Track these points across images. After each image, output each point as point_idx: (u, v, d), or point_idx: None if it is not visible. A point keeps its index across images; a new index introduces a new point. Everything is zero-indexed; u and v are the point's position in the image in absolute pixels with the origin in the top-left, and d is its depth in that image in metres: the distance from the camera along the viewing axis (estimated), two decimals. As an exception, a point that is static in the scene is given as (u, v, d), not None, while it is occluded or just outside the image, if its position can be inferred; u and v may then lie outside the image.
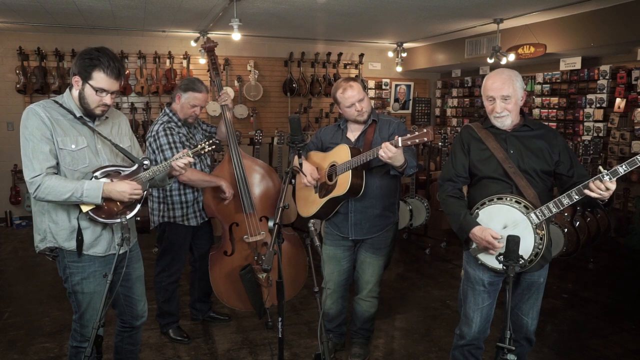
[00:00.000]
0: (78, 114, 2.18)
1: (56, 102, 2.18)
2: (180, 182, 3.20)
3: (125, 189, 2.14)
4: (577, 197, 2.04)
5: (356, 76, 8.01)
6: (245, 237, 3.26)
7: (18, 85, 6.44)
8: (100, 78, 2.11)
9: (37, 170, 2.05)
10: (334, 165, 2.75)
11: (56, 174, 2.11)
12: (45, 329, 3.58)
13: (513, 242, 1.98)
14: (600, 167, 1.99)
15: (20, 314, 3.84)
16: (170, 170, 2.29)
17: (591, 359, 3.24)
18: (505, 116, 2.22)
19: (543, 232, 2.13)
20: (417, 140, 2.34)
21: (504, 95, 2.18)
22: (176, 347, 3.34)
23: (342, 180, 2.66)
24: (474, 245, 2.26)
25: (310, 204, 2.89)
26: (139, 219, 4.53)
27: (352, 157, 2.62)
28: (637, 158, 1.89)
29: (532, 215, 2.12)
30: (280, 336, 2.17)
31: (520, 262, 1.98)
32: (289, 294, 3.34)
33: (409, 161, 2.58)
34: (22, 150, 2.09)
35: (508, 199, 2.17)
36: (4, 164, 6.61)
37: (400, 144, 2.37)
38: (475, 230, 2.20)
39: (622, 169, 1.92)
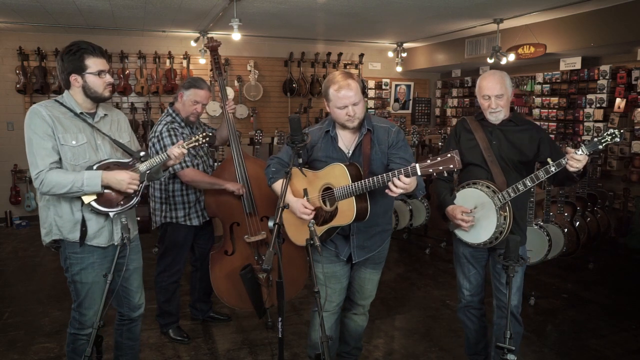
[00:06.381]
0: (78, 110, 2.28)
1: (57, 101, 2.29)
2: (182, 183, 3.20)
3: (124, 177, 2.22)
4: (529, 183, 2.38)
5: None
6: (245, 236, 3.27)
7: (18, 85, 6.44)
8: (93, 62, 2.23)
9: (41, 166, 2.16)
10: (329, 188, 2.35)
11: (59, 168, 2.20)
12: (45, 329, 3.58)
13: (513, 242, 1.99)
14: (549, 159, 2.28)
15: (20, 314, 3.84)
16: (166, 161, 2.37)
17: (591, 359, 3.24)
18: (499, 111, 2.56)
19: (506, 213, 2.45)
20: (440, 168, 1.97)
21: (497, 94, 2.51)
22: (176, 347, 3.34)
23: (345, 208, 2.30)
24: (451, 222, 2.64)
25: (305, 232, 2.37)
26: (139, 218, 4.51)
27: (352, 179, 2.25)
28: (575, 152, 2.18)
29: (496, 198, 2.46)
30: (280, 336, 2.17)
31: (486, 239, 2.49)
32: (289, 294, 3.34)
33: (419, 183, 2.29)
34: (27, 149, 2.20)
35: (480, 183, 2.54)
36: (4, 164, 6.60)
37: (419, 172, 2.02)
38: (449, 209, 2.61)
39: (563, 161, 2.23)
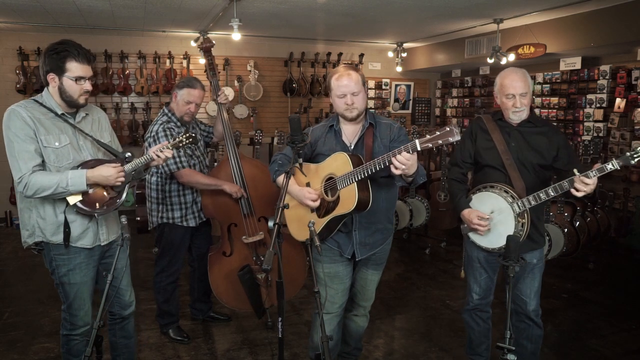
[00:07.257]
0: (59, 111, 2.23)
1: (36, 101, 2.23)
2: (179, 183, 3.20)
3: (111, 172, 2.20)
4: (552, 193, 2.30)
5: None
6: (243, 237, 3.26)
7: (18, 85, 6.44)
8: (74, 67, 2.18)
9: (23, 170, 2.12)
10: (331, 178, 2.35)
11: (42, 170, 2.16)
12: (45, 329, 3.57)
13: (513, 242, 1.99)
14: (575, 170, 2.19)
15: (20, 314, 3.84)
16: (149, 163, 2.34)
17: (591, 359, 3.24)
18: (522, 110, 2.46)
19: (524, 220, 2.39)
20: (440, 142, 1.98)
21: (522, 93, 2.42)
22: (176, 347, 3.34)
23: (347, 195, 2.27)
24: (465, 224, 2.57)
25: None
26: (139, 218, 4.53)
27: (354, 166, 2.24)
28: (605, 166, 2.12)
29: (515, 205, 2.38)
30: (280, 336, 2.17)
31: (502, 245, 2.32)
32: (288, 294, 3.34)
33: (419, 169, 2.26)
34: (7, 152, 2.15)
35: (499, 187, 2.45)
36: (4, 164, 6.58)
37: (419, 147, 2.02)
38: (465, 212, 2.53)
39: (592, 174, 2.15)
